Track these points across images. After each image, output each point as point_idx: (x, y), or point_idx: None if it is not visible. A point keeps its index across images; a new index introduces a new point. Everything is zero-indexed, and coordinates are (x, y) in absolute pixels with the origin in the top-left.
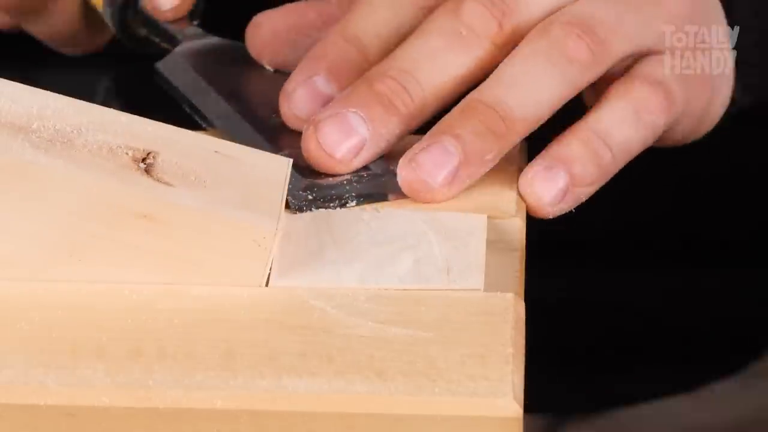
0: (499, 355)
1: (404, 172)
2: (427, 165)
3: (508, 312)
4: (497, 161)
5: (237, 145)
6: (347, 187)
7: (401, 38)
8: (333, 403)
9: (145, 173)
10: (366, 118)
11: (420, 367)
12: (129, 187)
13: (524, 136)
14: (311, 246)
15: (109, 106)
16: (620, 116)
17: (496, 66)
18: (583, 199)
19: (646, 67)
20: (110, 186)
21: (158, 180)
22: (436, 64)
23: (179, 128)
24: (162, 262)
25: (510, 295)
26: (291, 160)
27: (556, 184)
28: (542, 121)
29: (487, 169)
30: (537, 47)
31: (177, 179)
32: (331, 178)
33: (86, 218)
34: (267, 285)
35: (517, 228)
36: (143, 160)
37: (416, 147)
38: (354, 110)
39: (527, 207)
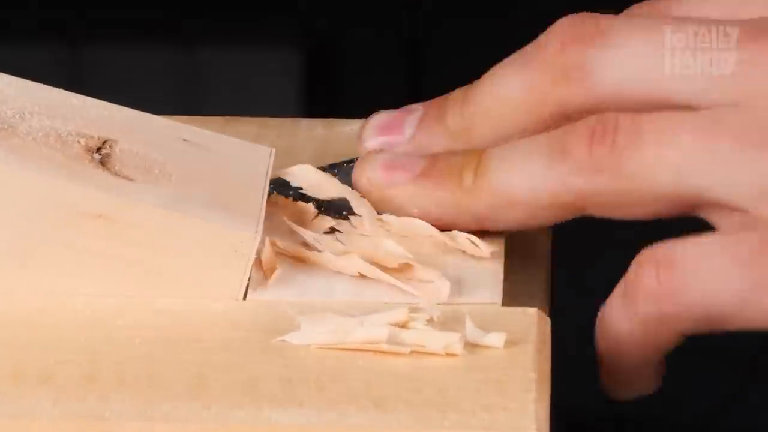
0: (519, 381)
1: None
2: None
3: (531, 330)
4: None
5: (209, 132)
6: None
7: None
8: None
9: (101, 165)
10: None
11: (427, 395)
12: (81, 183)
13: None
14: None
15: (59, 87)
16: None
17: None
18: None
19: None
20: (59, 181)
21: (116, 173)
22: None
23: (141, 112)
24: (121, 271)
25: (533, 311)
26: (273, 150)
27: None
28: None
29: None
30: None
31: (138, 173)
32: None
33: (31, 219)
34: (245, 298)
35: (542, 232)
36: (98, 149)
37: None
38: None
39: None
